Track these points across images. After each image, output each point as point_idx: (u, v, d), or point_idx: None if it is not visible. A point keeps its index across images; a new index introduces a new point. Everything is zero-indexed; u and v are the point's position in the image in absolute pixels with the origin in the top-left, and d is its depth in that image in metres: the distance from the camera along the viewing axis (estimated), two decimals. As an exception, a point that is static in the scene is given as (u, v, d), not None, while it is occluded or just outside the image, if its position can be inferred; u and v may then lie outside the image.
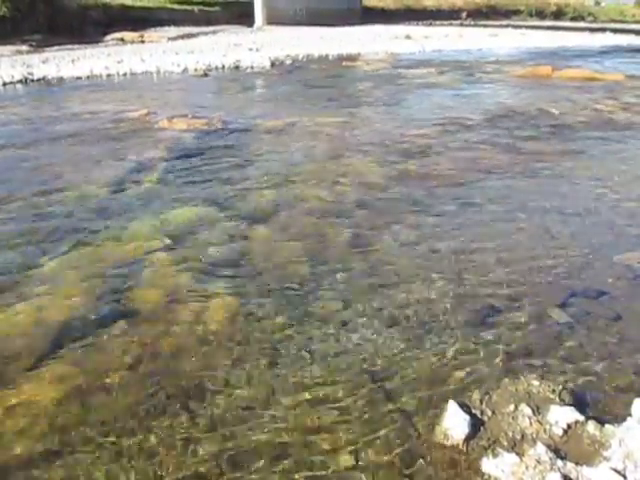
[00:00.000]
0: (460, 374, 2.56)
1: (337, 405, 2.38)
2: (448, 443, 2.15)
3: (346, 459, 2.10)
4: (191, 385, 2.52)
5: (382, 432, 2.23)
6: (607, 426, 2.21)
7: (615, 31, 37.54)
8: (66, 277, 3.48)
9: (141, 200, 4.82)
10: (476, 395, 2.39)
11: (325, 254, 3.80)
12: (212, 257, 3.75)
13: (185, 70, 13.94)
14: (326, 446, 2.17)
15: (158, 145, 6.70)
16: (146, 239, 4.02)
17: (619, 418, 2.26)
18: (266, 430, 2.26)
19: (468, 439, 2.14)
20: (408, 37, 25.70)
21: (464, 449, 2.12)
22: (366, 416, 2.32)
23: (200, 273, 3.52)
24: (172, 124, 7.81)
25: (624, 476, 1.97)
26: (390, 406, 2.36)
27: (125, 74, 13.11)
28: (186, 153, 6.33)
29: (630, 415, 2.26)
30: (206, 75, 13.52)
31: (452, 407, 2.24)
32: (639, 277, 3.54)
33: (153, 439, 2.21)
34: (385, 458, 2.10)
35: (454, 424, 2.18)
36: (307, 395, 2.45)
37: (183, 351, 2.75)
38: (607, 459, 2.07)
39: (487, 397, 2.38)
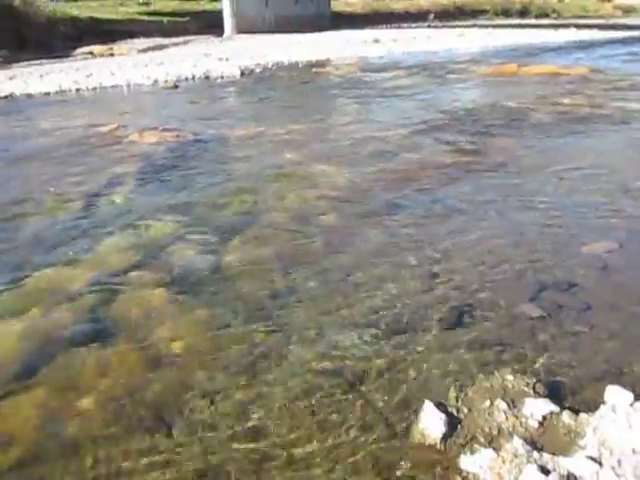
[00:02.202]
0: (435, 373, 2.58)
1: (314, 411, 2.38)
2: (425, 443, 2.16)
3: (324, 464, 2.10)
4: (168, 401, 2.49)
5: (359, 436, 2.23)
6: (581, 415, 2.24)
7: (578, 26, 38.34)
8: (34, 297, 3.42)
9: (112, 216, 4.77)
10: (452, 393, 2.41)
11: (298, 261, 3.80)
12: (186, 270, 3.72)
13: (155, 82, 13.85)
14: (304, 452, 2.16)
15: (129, 159, 6.64)
16: (117, 255, 3.98)
17: (593, 406, 2.30)
18: (245, 441, 2.24)
19: (445, 438, 2.15)
20: (377, 41, 25.91)
21: (442, 448, 2.13)
22: (343, 420, 2.32)
23: (174, 287, 3.49)
24: (143, 137, 7.75)
25: (600, 463, 2.00)
26: (367, 409, 2.37)
27: (95, 88, 12.98)
28: (157, 166, 6.29)
29: (603, 402, 2.30)
30: (176, 87, 13.45)
31: (428, 406, 2.25)
32: (606, 266, 3.61)
33: (130, 459, 2.18)
34: (363, 462, 2.10)
35: (430, 423, 2.19)
36: (284, 403, 2.44)
37: (159, 367, 2.72)
38: (583, 448, 2.10)
39: (463, 394, 2.40)
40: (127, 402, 2.48)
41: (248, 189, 5.39)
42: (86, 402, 2.49)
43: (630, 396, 2.27)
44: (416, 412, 2.29)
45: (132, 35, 29.93)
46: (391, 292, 3.33)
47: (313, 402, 2.43)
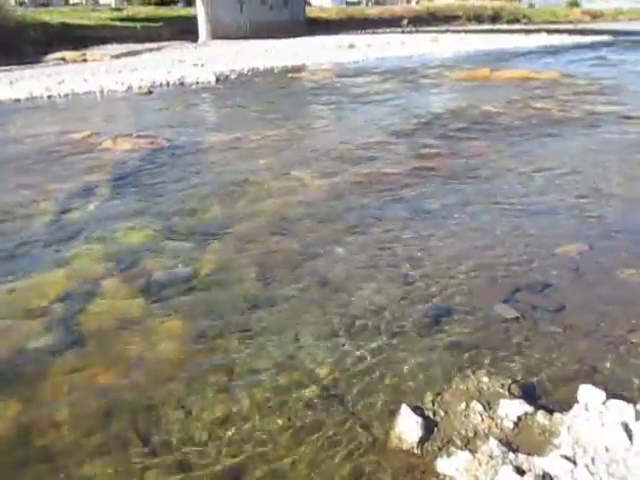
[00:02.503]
0: (412, 377, 2.59)
1: (292, 418, 2.37)
2: (403, 447, 2.16)
3: (302, 472, 2.09)
4: (142, 413, 2.45)
5: (337, 442, 2.22)
6: (556, 415, 2.27)
7: (549, 32, 39.11)
8: (8, 307, 3.34)
9: (86, 224, 4.70)
10: (428, 396, 2.42)
11: (274, 268, 3.78)
12: (161, 278, 3.68)
13: (129, 88, 13.71)
14: (282, 461, 2.14)
15: (102, 167, 6.55)
16: (92, 263, 3.92)
17: (567, 406, 2.33)
18: (221, 452, 2.22)
19: (422, 441, 2.16)
20: (352, 46, 26.08)
21: (419, 452, 2.13)
22: (320, 427, 2.31)
23: (149, 296, 3.44)
24: (116, 144, 7.66)
25: (574, 462, 2.02)
26: (344, 415, 2.37)
27: (67, 95, 12.79)
28: (131, 174, 6.22)
29: (577, 402, 2.33)
30: (150, 93, 13.34)
31: (405, 411, 2.26)
32: (578, 267, 3.67)
33: (103, 473, 2.13)
34: (341, 469, 2.09)
35: (407, 428, 2.19)
36: (261, 411, 2.42)
37: (131, 379, 2.68)
38: (557, 447, 2.12)
39: (439, 397, 2.41)
40: (100, 414, 2.43)
41: (223, 196, 5.36)
42: (58, 415, 2.44)
43: (602, 394, 2.30)
44: (393, 416, 2.30)
45: (105, 41, 29.63)
46: (367, 297, 3.34)
47: (290, 409, 2.42)
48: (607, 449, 2.04)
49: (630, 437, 2.06)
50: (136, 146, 7.53)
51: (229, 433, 2.31)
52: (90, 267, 3.88)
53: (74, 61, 20.93)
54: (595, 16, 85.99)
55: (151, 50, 25.51)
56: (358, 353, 2.79)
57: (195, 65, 18.39)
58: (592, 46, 27.89)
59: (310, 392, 2.52)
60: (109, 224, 4.67)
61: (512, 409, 2.28)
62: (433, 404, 2.37)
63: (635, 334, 2.88)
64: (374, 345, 2.85)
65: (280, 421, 2.36)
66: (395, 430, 2.23)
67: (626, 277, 3.52)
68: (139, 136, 8.11)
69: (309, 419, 2.36)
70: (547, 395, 2.47)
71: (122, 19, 35.91)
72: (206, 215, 4.87)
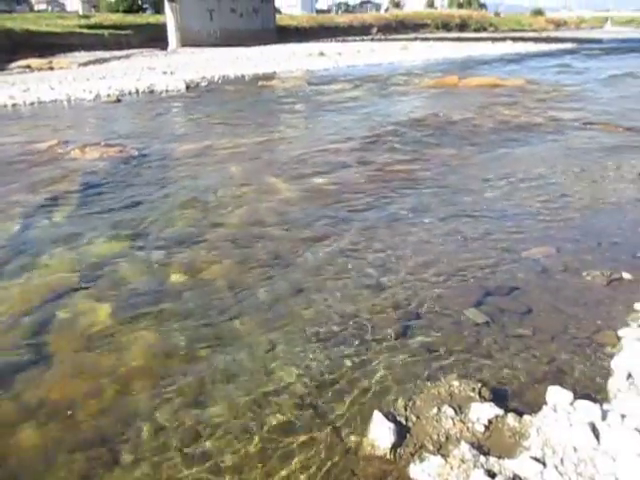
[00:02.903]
0: (384, 383, 2.60)
1: (265, 429, 2.35)
2: (376, 453, 2.17)
3: (275, 482, 2.07)
4: (113, 427, 2.40)
5: (311, 450, 2.22)
6: (525, 416, 2.31)
7: (514, 39, 40.02)
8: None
9: (53, 235, 4.59)
10: (400, 402, 2.43)
11: (246, 276, 3.76)
12: (131, 290, 3.62)
13: (97, 97, 13.52)
14: (255, 470, 2.13)
15: (70, 176, 6.44)
16: (60, 276, 3.83)
17: (536, 407, 2.36)
18: (194, 465, 2.18)
19: (395, 447, 2.17)
20: (322, 54, 26.24)
21: (391, 458, 2.14)
22: (293, 436, 2.30)
23: (118, 306, 3.39)
24: (84, 153, 7.53)
25: (543, 463, 2.05)
26: (318, 423, 2.36)
27: (32, 103, 12.54)
28: (100, 183, 6.12)
29: (545, 403, 2.37)
30: (119, 101, 13.18)
31: (377, 417, 2.27)
32: (545, 270, 3.75)
33: (72, 488, 2.09)
34: (315, 475, 2.09)
35: (380, 434, 2.20)
36: (234, 423, 2.40)
37: (102, 392, 2.63)
38: (527, 448, 2.15)
39: (411, 403, 2.42)
40: (71, 430, 2.38)
41: (193, 204, 5.32)
42: (23, 432, 2.37)
43: (570, 395, 2.35)
44: (366, 423, 2.30)
45: (72, 48, 29.20)
46: (338, 304, 3.35)
47: (262, 418, 2.40)
48: (575, 449, 2.08)
49: (597, 437, 2.10)
50: (105, 155, 7.42)
51: (201, 445, 2.28)
52: (56, 278, 3.80)
53: (40, 69, 20.55)
54: (559, 24, 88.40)
55: (119, 58, 25.23)
56: (330, 361, 2.79)
57: (165, 73, 18.26)
58: (556, 54, 28.64)
59: (282, 401, 2.51)
60: (76, 234, 4.58)
61: (483, 412, 2.31)
62: (405, 410, 2.38)
63: (600, 335, 2.95)
64: (346, 352, 2.86)
65: (252, 430, 2.34)
66: (368, 437, 2.23)
67: (591, 279, 3.60)
68: (108, 145, 7.99)
69: (282, 428, 2.34)
70: (517, 397, 2.50)
71: (90, 26, 35.44)
72: (176, 224, 4.82)
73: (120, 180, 6.20)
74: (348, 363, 2.77)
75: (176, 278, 3.77)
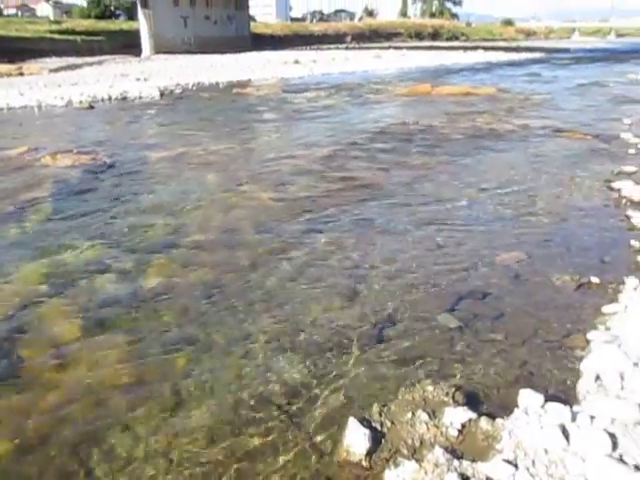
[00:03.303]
0: (359, 389, 2.61)
1: (241, 437, 2.34)
2: (351, 459, 2.17)
3: (250, 491, 2.06)
4: (87, 439, 2.36)
5: (286, 458, 2.21)
6: (498, 420, 2.34)
7: (485, 49, 40.77)
8: None
9: (24, 245, 4.51)
10: (375, 408, 2.44)
11: (221, 283, 3.75)
12: (104, 300, 3.57)
13: (69, 103, 13.35)
14: (231, 477, 2.11)
15: (41, 184, 6.33)
16: (30, 286, 3.76)
17: (508, 410, 2.39)
18: (169, 474, 2.16)
19: (370, 453, 2.18)
20: (297, 62, 26.34)
21: (367, 464, 2.15)
22: (269, 443, 2.29)
23: (91, 316, 3.34)
24: (56, 160, 7.42)
25: (515, 465, 2.08)
26: (292, 430, 2.36)
27: (1, 109, 12.32)
28: (72, 191, 6.03)
29: (517, 406, 2.41)
30: (92, 107, 13.02)
31: (352, 423, 2.27)
32: (517, 275, 3.82)
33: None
34: (290, 484, 2.09)
35: (355, 440, 2.21)
36: (208, 431, 2.38)
37: (76, 402, 2.58)
38: (500, 451, 2.18)
39: (386, 408, 2.44)
40: (43, 443, 2.33)
41: (169, 212, 5.28)
42: (-5, 446, 2.32)
43: (541, 398, 2.39)
44: (341, 430, 2.31)
45: (43, 54, 28.79)
46: (314, 312, 3.35)
47: (237, 427, 2.39)
48: (546, 451, 2.11)
49: (567, 438, 2.14)
50: (77, 162, 7.31)
51: (176, 455, 2.25)
52: (28, 286, 3.73)
53: (9, 74, 20.18)
54: (528, 34, 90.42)
55: (92, 64, 24.95)
56: (305, 368, 2.79)
57: (138, 79, 18.11)
58: (526, 63, 29.24)
59: (257, 409, 2.50)
60: (46, 243, 4.50)
61: (456, 416, 2.34)
62: (380, 415, 2.40)
63: (570, 338, 3.02)
64: (320, 359, 2.86)
65: (227, 439, 2.32)
66: (343, 443, 2.24)
67: (561, 283, 3.68)
68: (80, 152, 7.89)
69: (257, 435, 2.34)
70: (489, 401, 2.54)
71: (61, 32, 35.00)
72: (150, 231, 4.77)
73: (92, 188, 6.12)
74: (322, 370, 2.77)
75: (149, 286, 3.73)
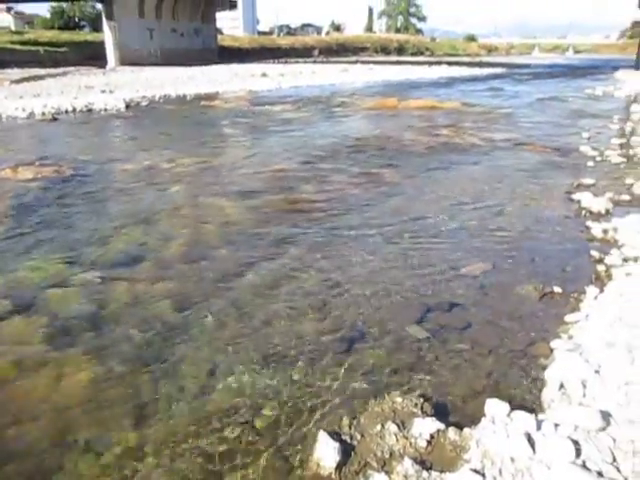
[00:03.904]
0: (329, 402, 2.61)
1: (207, 452, 2.30)
2: (321, 473, 2.17)
3: (219, 510, 2.03)
4: (48, 460, 2.29)
5: (255, 473, 2.19)
6: (465, 430, 2.36)
7: (450, 64, 41.69)
8: None
9: (-19, 260, 4.37)
10: (345, 421, 2.44)
11: (190, 297, 3.70)
12: (67, 316, 3.48)
13: (31, 115, 13.07)
14: (198, 500, 2.08)
15: (1, 197, 6.16)
16: (-12, 303, 3.64)
17: (475, 420, 2.43)
18: (134, 494, 2.12)
19: (340, 466, 2.17)
20: (264, 75, 26.42)
21: (337, 477, 2.14)
22: (238, 459, 2.26)
23: (53, 333, 3.25)
24: (17, 173, 7.24)
25: (482, 475, 2.11)
26: (263, 445, 2.34)
27: (-41, 122, 11.99)
28: (33, 204, 5.89)
29: (484, 415, 2.44)
30: (55, 119, 12.78)
31: (322, 437, 2.27)
32: (483, 286, 3.88)
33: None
34: (259, 501, 2.07)
35: (325, 453, 2.20)
36: (177, 448, 2.34)
37: (37, 422, 2.50)
38: (467, 461, 2.21)
39: (356, 421, 2.44)
40: (1, 462, 2.25)
41: (134, 225, 5.20)
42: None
43: (507, 407, 2.43)
44: (311, 443, 2.30)
45: (4, 65, 28.18)
46: (283, 325, 3.34)
47: (204, 441, 2.36)
48: (513, 459, 2.15)
49: (533, 446, 2.18)
50: (39, 175, 7.15)
51: (140, 469, 2.21)
52: (-14, 306, 3.61)
53: (-32, 86, 19.65)
54: (490, 50, 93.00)
55: (56, 75, 24.51)
56: (274, 381, 2.78)
57: (103, 91, 17.87)
58: (489, 78, 30.00)
59: (225, 423, 2.47)
60: (6, 258, 4.38)
61: (425, 427, 2.35)
62: (350, 428, 2.40)
63: (534, 347, 3.08)
64: (290, 373, 2.85)
65: (193, 454, 2.29)
66: (313, 456, 2.23)
67: (525, 293, 3.76)
68: (42, 164, 7.72)
69: (224, 450, 2.31)
70: (457, 411, 2.57)
71: (23, 42, 34.34)
72: (116, 246, 4.69)
73: (55, 201, 5.99)
74: (292, 383, 2.76)
75: (115, 301, 3.66)
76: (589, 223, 5.10)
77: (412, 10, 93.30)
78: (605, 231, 4.86)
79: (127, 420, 2.52)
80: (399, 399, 2.57)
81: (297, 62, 41.42)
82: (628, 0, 40.64)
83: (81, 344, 3.15)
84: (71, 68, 29.64)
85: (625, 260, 4.16)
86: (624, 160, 7.85)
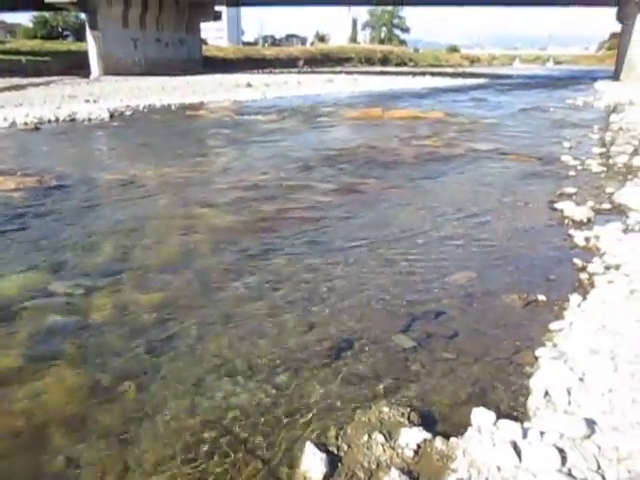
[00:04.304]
0: (316, 413, 2.59)
1: (192, 465, 2.27)
2: (308, 485, 2.15)
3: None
4: (28, 469, 2.25)
5: (242, 487, 2.17)
6: (452, 439, 2.36)
7: (433, 74, 42.14)
8: None
9: (-39, 272, 4.30)
10: (332, 431, 2.43)
11: (174, 309, 3.67)
12: (47, 328, 3.43)
13: (13, 124, 12.94)
14: (183, 514, 2.05)
15: (-19, 208, 6.07)
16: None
17: (462, 429, 2.43)
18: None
19: (327, 478, 2.16)
20: (249, 85, 26.47)
21: (324, 489, 2.13)
22: (224, 473, 2.24)
23: (34, 346, 3.20)
24: (-2, 184, 7.14)
25: (470, 484, 2.11)
26: (247, 457, 2.31)
27: (-61, 132, 11.82)
28: (15, 215, 5.81)
29: (470, 424, 2.44)
30: (37, 129, 12.66)
31: (309, 448, 2.25)
32: (468, 294, 3.90)
33: None
34: (246, 514, 2.04)
35: (312, 465, 2.18)
36: (160, 461, 2.30)
37: (18, 437, 2.45)
38: (454, 470, 2.21)
39: (342, 432, 2.43)
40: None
41: (118, 235, 5.15)
42: None
43: (493, 416, 2.43)
44: (298, 454, 2.28)
45: (-15, 75, 27.88)
46: (269, 336, 3.32)
47: (189, 455, 2.33)
48: (499, 468, 2.15)
49: (519, 455, 2.19)
50: (21, 185, 7.06)
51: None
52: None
53: (-52, 95, 19.41)
54: (473, 60, 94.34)
55: (38, 85, 24.31)
56: (260, 393, 2.75)
57: (87, 101, 17.76)
58: (471, 88, 30.38)
59: (210, 435, 2.44)
60: (-11, 271, 4.31)
61: (412, 437, 2.35)
62: (337, 439, 2.39)
63: (519, 355, 3.10)
64: (276, 384, 2.83)
65: (179, 468, 2.25)
66: (300, 468, 2.21)
67: (510, 301, 3.78)
68: (25, 174, 7.63)
69: (209, 463, 2.28)
70: (444, 420, 2.56)
71: (5, 52, 34.07)
72: (100, 257, 4.64)
73: (38, 211, 5.92)
74: (278, 395, 2.74)
75: (98, 313, 3.61)
76: (571, 231, 5.17)
77: (395, 22, 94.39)
78: (587, 239, 4.93)
79: (110, 435, 2.47)
80: (386, 409, 2.57)
81: (282, 72, 41.57)
82: (606, 12, 41.52)
83: (62, 355, 3.10)
84: (54, 78, 29.42)
85: (607, 268, 4.21)
86: (604, 169, 7.97)
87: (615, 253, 4.40)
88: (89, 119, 14.43)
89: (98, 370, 2.97)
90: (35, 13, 54.23)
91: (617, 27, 39.29)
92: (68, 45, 44.89)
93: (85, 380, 2.88)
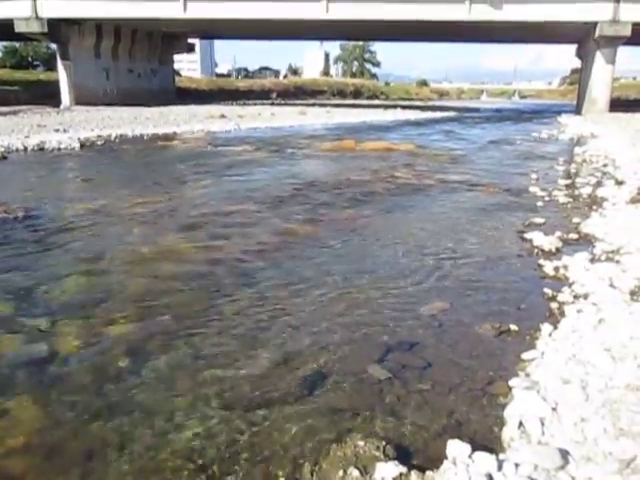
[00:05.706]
0: (290, 448, 2.54)
1: (163, 509, 2.20)
2: (282, 525, 2.09)
3: None
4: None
5: (213, 529, 2.09)
6: (428, 472, 2.33)
7: (404, 107, 43.12)
8: None
9: None
10: (306, 467, 2.37)
11: (145, 342, 3.58)
12: (11, 360, 3.31)
13: (-21, 153, 12.70)
14: None
15: (-56, 239, 5.89)
16: None
17: (437, 462, 2.40)
18: None
19: (302, 516, 2.10)
20: (223, 116, 26.60)
21: (298, 528, 2.07)
22: (196, 514, 2.17)
23: (-3, 383, 3.08)
24: (-38, 214, 6.95)
25: (446, 519, 2.08)
26: (220, 497, 2.25)
27: None
28: (-20, 246, 5.65)
29: (446, 457, 2.42)
30: (4, 158, 12.45)
31: (283, 485, 2.20)
32: (441, 325, 3.92)
33: None
34: None
35: (286, 503, 2.13)
36: (129, 504, 2.22)
37: (-25, 481, 2.34)
38: (431, 505, 2.18)
39: (317, 467, 2.38)
40: None
41: (88, 267, 5.04)
42: None
43: (468, 448, 2.42)
44: (272, 493, 2.22)
45: (-51, 103, 27.48)
46: (243, 368, 3.27)
47: (161, 498, 2.25)
48: (475, 502, 2.13)
49: (494, 487, 2.17)
50: (-14, 216, 6.89)
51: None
52: None
53: None
54: (442, 94, 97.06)
55: (6, 114, 24.00)
56: (233, 427, 2.69)
57: (57, 130, 17.59)
58: (441, 121, 31.15)
59: (180, 470, 2.37)
60: (-50, 304, 4.16)
61: (387, 471, 2.31)
62: (312, 475, 2.33)
63: (493, 386, 3.10)
64: (249, 418, 2.77)
65: (150, 513, 2.18)
66: (274, 508, 2.15)
67: (483, 331, 3.81)
68: (-11, 205, 7.45)
69: (182, 507, 2.21)
70: (420, 453, 2.54)
71: (-28, 81, 33.65)
72: (66, 289, 4.53)
73: (3, 243, 5.77)
74: (252, 429, 2.68)
75: (65, 346, 3.51)
76: (541, 261, 5.26)
77: (367, 56, 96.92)
78: (556, 269, 5.02)
79: (75, 468, 2.38)
80: (361, 442, 2.53)
81: (255, 104, 41.95)
82: (566, 49, 43.34)
83: (25, 392, 2.99)
84: (23, 107, 29.12)
85: (576, 297, 4.29)
86: (570, 200, 8.20)
87: (583, 282, 4.49)
88: (59, 148, 14.27)
89: (64, 404, 2.86)
90: (5, 43, 53.97)
91: (578, 63, 40.94)
92: (38, 75, 44.64)
93: (49, 414, 2.77)
